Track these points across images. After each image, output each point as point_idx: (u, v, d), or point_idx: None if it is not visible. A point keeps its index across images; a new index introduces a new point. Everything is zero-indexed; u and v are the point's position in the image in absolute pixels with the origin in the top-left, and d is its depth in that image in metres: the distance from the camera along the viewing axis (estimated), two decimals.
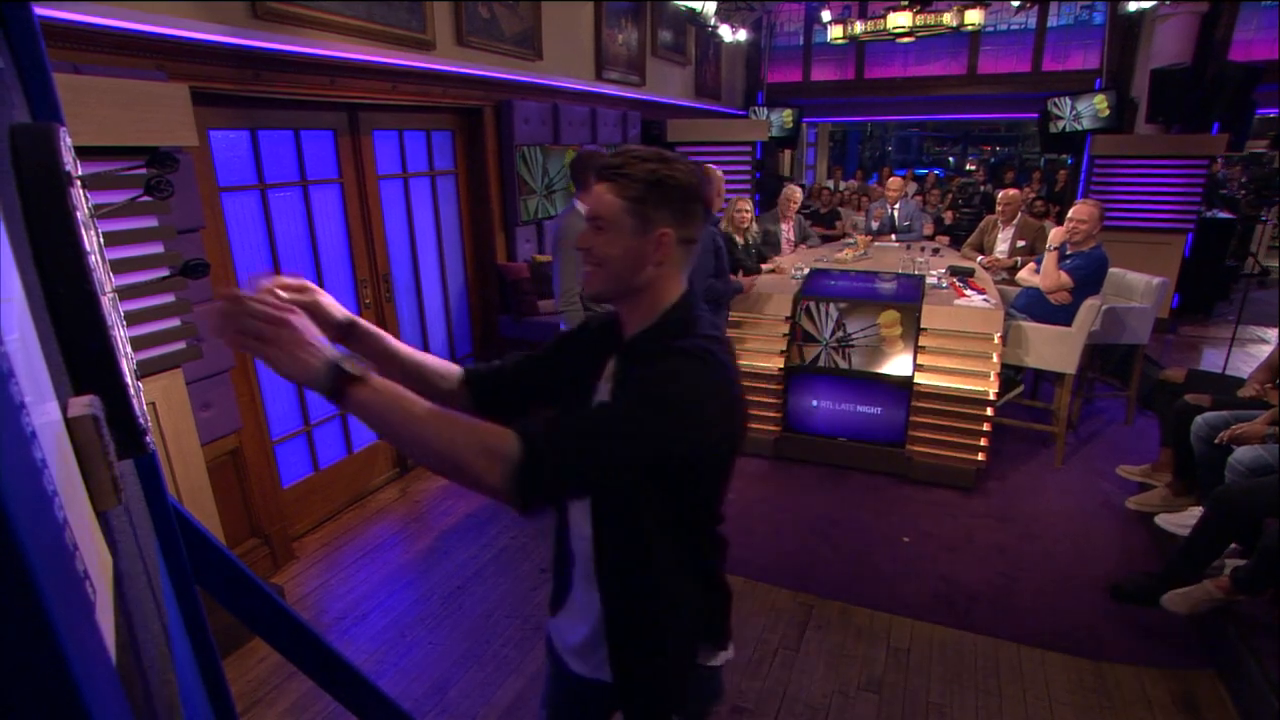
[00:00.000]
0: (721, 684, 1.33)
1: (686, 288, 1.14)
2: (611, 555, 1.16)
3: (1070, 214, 3.86)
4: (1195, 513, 3.10)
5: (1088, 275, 3.77)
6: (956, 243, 6.20)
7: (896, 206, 6.14)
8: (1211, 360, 5.58)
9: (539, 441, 0.91)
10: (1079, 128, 7.23)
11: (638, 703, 1.21)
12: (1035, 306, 3.96)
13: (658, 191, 1.05)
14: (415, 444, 0.90)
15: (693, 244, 1.12)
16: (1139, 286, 4.25)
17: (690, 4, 5.70)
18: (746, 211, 4.63)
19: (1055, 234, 3.95)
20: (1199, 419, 2.96)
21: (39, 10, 0.78)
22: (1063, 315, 3.80)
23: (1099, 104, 7.11)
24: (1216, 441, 2.83)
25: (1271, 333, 6.29)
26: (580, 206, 3.26)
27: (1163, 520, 3.20)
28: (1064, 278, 3.77)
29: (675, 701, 1.20)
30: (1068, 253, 3.85)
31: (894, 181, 6.31)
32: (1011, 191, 5.23)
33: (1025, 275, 4.23)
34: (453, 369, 1.23)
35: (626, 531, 1.12)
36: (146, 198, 0.93)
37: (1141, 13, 6.42)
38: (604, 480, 0.99)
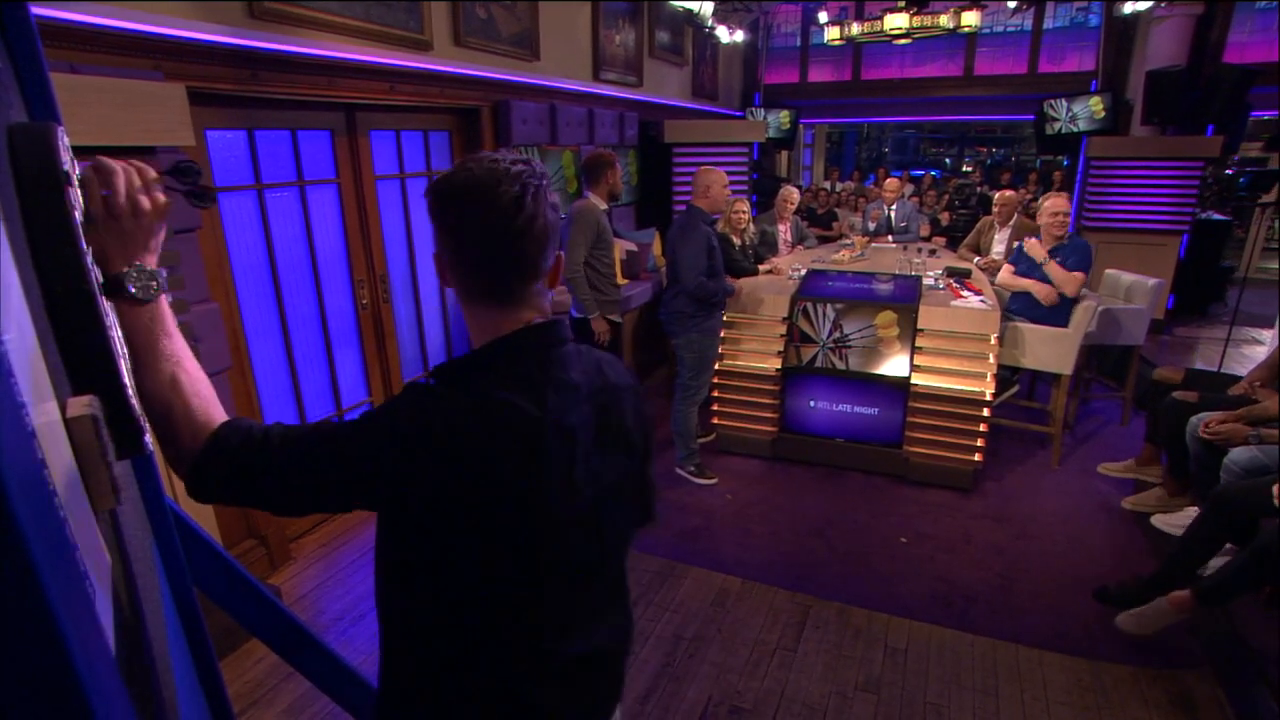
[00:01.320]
0: None
1: (520, 328, 0.92)
2: (388, 640, 0.96)
3: (1049, 208, 3.85)
4: (1191, 513, 3.11)
5: (1089, 265, 3.80)
6: (953, 244, 6.22)
7: (893, 207, 6.16)
8: (1207, 361, 5.60)
9: (229, 439, 0.82)
10: (1075, 129, 7.26)
11: None
12: (1031, 307, 3.96)
13: (433, 206, 0.89)
14: (141, 391, 0.80)
15: (477, 271, 0.90)
16: (1135, 287, 4.27)
17: (688, 5, 5.70)
18: (744, 213, 4.64)
19: (1036, 249, 3.90)
20: (1194, 419, 2.97)
21: (36, 10, 0.78)
22: (1059, 316, 3.81)
23: (1095, 106, 7.13)
24: (1200, 434, 2.84)
25: (1266, 333, 6.32)
26: (593, 198, 3.33)
27: (1159, 520, 3.21)
28: (1079, 275, 3.76)
29: None
30: (1050, 247, 3.87)
31: (891, 182, 6.32)
32: (1008, 193, 5.24)
33: (1005, 278, 4.17)
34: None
35: (394, 613, 0.93)
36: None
37: (1137, 15, 6.44)
38: (284, 498, 0.84)
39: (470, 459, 0.82)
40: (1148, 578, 2.66)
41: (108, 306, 0.69)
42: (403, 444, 0.82)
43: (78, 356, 0.63)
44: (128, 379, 0.68)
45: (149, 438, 0.72)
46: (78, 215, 0.65)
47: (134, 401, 0.68)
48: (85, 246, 0.64)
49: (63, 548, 0.33)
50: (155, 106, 2.09)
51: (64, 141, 0.66)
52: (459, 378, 0.89)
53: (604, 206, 3.46)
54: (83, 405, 0.54)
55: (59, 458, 0.44)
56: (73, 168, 0.68)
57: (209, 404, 0.85)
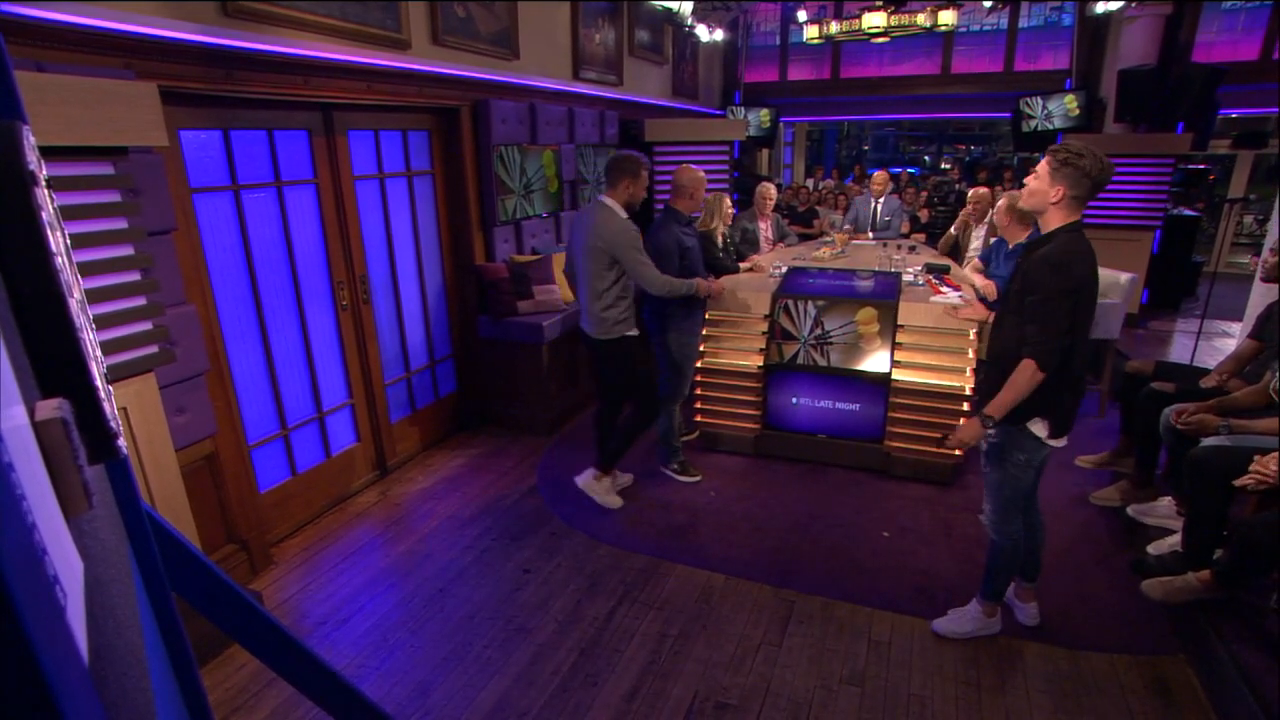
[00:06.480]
0: None
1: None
2: None
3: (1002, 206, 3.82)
4: (1165, 503, 3.17)
5: None
6: (932, 240, 6.28)
7: (880, 201, 6.21)
8: (1179, 354, 5.71)
9: None
10: (1050, 127, 7.37)
11: None
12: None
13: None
14: None
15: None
16: (1110, 283, 4.34)
17: (667, 3, 5.71)
18: (728, 210, 4.64)
19: (985, 284, 3.84)
20: (1167, 410, 3.02)
21: None
22: None
23: (1069, 103, 7.25)
24: (1175, 424, 2.89)
25: (1234, 326, 6.46)
26: (610, 202, 3.15)
27: (1134, 510, 3.27)
28: None
29: None
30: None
31: (879, 175, 6.32)
32: (982, 190, 5.28)
33: (972, 276, 4.20)
34: None
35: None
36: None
37: (1108, 14, 6.55)
38: None
39: None
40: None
41: (77, 309, 0.68)
42: None
43: (47, 359, 0.62)
44: (99, 382, 0.67)
45: (122, 441, 0.71)
46: (45, 216, 0.64)
47: (106, 404, 0.67)
48: (54, 248, 0.63)
49: (30, 554, 0.33)
50: (126, 106, 2.06)
51: (30, 140, 0.64)
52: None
53: (623, 216, 3.19)
54: (52, 408, 0.53)
55: (27, 462, 0.44)
56: (39, 168, 0.67)
57: None
